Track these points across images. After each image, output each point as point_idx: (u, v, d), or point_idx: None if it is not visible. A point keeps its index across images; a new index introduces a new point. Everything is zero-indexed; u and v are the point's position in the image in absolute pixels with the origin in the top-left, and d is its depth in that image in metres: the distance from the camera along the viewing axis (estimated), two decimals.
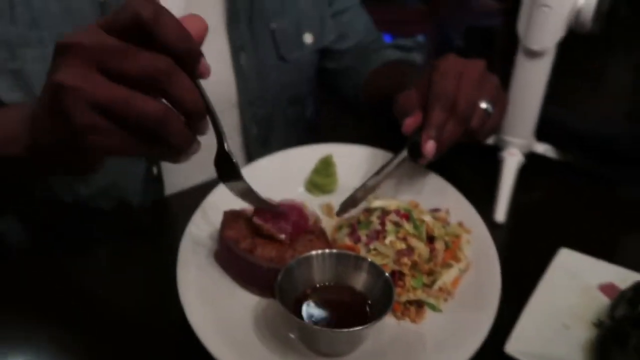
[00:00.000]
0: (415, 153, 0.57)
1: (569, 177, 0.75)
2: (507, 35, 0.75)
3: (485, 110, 0.57)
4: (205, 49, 0.72)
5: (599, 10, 0.63)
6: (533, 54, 0.67)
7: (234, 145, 0.82)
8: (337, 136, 0.71)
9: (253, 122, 0.80)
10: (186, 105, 0.37)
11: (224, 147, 0.43)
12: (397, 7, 2.74)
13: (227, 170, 0.44)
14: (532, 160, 0.74)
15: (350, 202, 0.58)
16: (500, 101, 0.60)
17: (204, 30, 0.40)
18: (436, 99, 0.55)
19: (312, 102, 0.92)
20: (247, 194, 0.47)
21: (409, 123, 0.57)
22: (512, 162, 0.71)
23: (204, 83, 0.70)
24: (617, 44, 0.77)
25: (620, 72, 0.78)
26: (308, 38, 0.82)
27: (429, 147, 0.54)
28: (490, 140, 0.76)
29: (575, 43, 0.67)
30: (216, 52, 0.74)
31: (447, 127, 0.55)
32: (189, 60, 0.37)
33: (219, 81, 0.75)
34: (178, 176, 0.74)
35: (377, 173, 0.58)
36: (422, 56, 0.97)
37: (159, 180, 0.73)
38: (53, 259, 0.59)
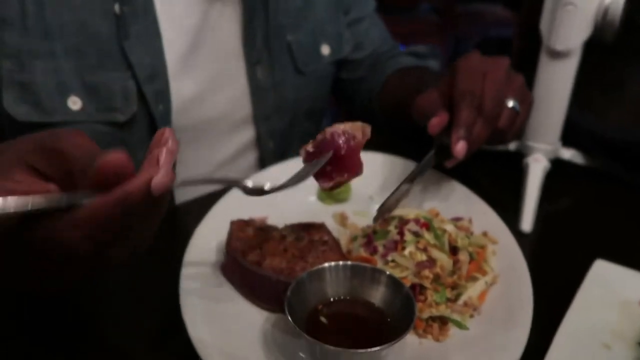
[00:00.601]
0: (441, 156, 0.54)
1: (598, 184, 0.70)
2: (524, 41, 0.72)
3: (512, 108, 0.53)
4: (219, 60, 0.70)
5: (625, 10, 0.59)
6: (557, 55, 0.64)
7: (250, 161, 0.79)
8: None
9: (269, 137, 0.77)
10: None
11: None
12: (410, 19, 2.72)
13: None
14: (558, 166, 0.70)
15: (385, 209, 0.54)
16: (526, 100, 0.57)
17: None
18: (463, 98, 0.52)
19: (329, 116, 0.89)
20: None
21: (435, 123, 0.53)
22: (537, 169, 0.67)
23: (218, 98, 0.65)
24: None
25: None
26: (325, 49, 0.79)
27: (460, 147, 0.51)
28: (513, 147, 0.72)
29: (599, 47, 0.63)
30: (232, 68, 0.72)
31: (475, 127, 0.51)
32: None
33: (234, 97, 0.73)
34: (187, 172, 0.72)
35: (409, 178, 0.55)
36: (437, 63, 0.93)
37: None
38: None
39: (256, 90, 0.74)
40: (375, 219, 0.53)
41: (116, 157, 0.29)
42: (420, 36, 2.68)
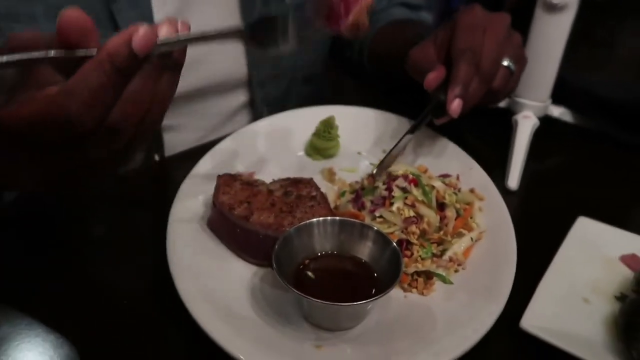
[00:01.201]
0: (435, 112, 0.54)
1: (587, 143, 0.70)
2: None
3: (507, 68, 0.52)
4: (211, 24, 0.66)
5: None
6: (553, 9, 0.62)
7: (241, 125, 0.77)
8: (339, 100, 0.67)
9: (264, 103, 0.75)
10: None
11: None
12: None
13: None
14: (547, 124, 0.70)
15: (386, 165, 0.54)
16: (521, 60, 0.56)
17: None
18: (462, 54, 0.51)
19: (326, 80, 0.87)
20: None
21: (432, 78, 0.52)
22: (526, 126, 0.67)
23: (209, 61, 0.61)
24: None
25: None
26: None
27: (456, 105, 0.50)
28: (503, 104, 0.71)
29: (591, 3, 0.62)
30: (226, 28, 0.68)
31: (471, 85, 0.50)
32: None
33: (229, 62, 0.70)
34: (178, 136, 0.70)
35: (410, 131, 0.55)
36: (430, 14, 0.91)
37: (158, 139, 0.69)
38: (49, 225, 0.55)
39: (253, 55, 0.70)
40: (377, 175, 0.53)
41: (71, 11, 0.31)
42: None
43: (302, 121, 0.63)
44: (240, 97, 0.74)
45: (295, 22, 0.37)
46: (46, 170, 0.35)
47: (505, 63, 0.52)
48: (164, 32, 0.32)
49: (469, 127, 0.68)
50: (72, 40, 0.32)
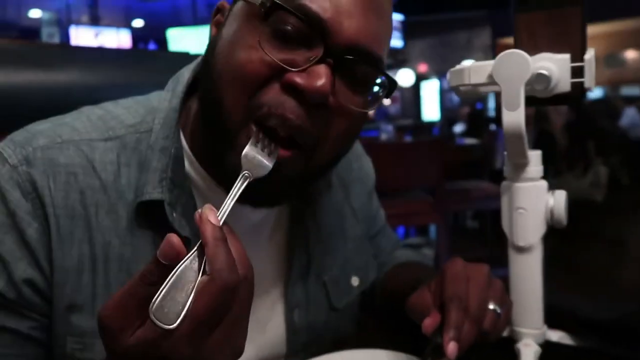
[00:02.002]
0: (434, 353, 0.61)
1: None
2: None
3: (494, 311, 0.61)
4: (261, 308, 0.75)
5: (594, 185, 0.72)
6: (521, 250, 0.74)
7: None
8: (360, 339, 0.74)
9: None
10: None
11: None
12: (406, 201, 2.96)
13: None
14: (550, 349, 0.75)
15: None
16: (505, 303, 0.65)
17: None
18: (451, 301, 0.60)
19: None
20: None
21: (429, 324, 0.61)
22: (528, 354, 0.72)
23: (258, 338, 0.74)
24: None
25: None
26: (355, 281, 0.81)
27: (452, 348, 0.58)
28: (504, 332, 0.78)
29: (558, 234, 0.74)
30: (272, 311, 0.74)
31: (464, 328, 0.59)
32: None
33: (273, 336, 0.74)
34: None
35: None
36: (431, 249, 1.04)
37: None
38: None
39: (291, 330, 0.74)
40: None
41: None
42: (416, 215, 2.88)
43: None
44: None
45: None
46: None
47: (491, 307, 0.62)
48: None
49: (478, 357, 0.73)
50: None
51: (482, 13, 10.61)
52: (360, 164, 0.87)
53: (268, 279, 0.74)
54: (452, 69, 0.73)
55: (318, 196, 0.76)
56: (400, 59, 9.64)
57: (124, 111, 0.65)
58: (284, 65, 0.53)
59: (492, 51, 11.37)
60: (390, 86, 0.58)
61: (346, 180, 0.82)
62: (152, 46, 8.93)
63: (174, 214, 0.60)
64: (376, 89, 0.58)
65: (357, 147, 0.88)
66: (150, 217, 0.60)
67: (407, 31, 9.62)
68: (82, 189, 0.59)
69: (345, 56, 0.53)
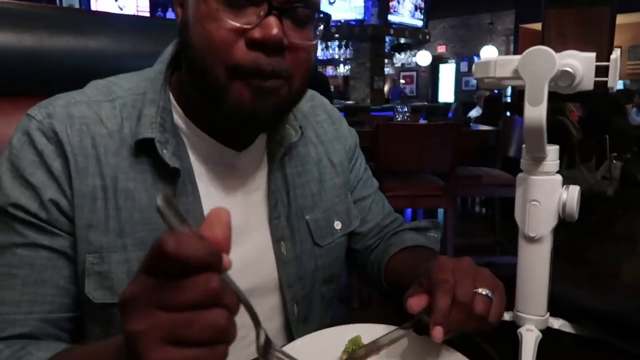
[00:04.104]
0: (422, 330, 0.65)
1: (588, 353, 0.78)
2: None
3: (485, 295, 0.65)
4: (250, 240, 0.85)
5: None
6: (532, 240, 0.77)
7: (277, 324, 0.90)
8: (366, 314, 0.78)
9: (294, 302, 0.89)
10: (233, 306, 0.44)
11: (261, 331, 0.51)
12: (416, 183, 2.98)
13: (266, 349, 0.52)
14: (551, 335, 0.78)
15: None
16: (497, 288, 0.68)
17: (227, 221, 0.47)
18: (438, 286, 0.64)
19: (343, 279, 1.01)
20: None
21: (414, 302, 0.66)
22: (530, 338, 0.76)
23: (251, 270, 0.82)
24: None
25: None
26: (337, 225, 0.94)
27: (437, 332, 0.62)
28: (508, 317, 0.81)
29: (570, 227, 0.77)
30: (260, 243, 0.86)
31: (451, 313, 0.63)
32: (215, 264, 0.43)
33: (263, 268, 0.86)
34: None
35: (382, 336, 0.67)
36: (438, 233, 1.07)
37: None
38: None
39: (281, 262, 0.87)
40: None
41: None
42: (426, 198, 2.91)
43: (332, 340, 0.73)
44: (273, 299, 0.88)
45: None
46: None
47: (483, 292, 0.65)
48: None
49: (479, 339, 0.77)
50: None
51: None
52: (338, 126, 0.99)
53: (253, 217, 0.85)
54: (478, 61, 0.74)
55: (294, 147, 0.89)
56: (419, 39, 9.47)
57: (124, 81, 0.80)
58: (243, 26, 0.67)
59: (515, 36, 11.17)
60: (327, 20, 0.74)
61: (324, 138, 0.95)
62: (170, 14, 8.86)
63: (165, 151, 0.73)
64: (319, 25, 0.74)
65: (336, 112, 1.02)
66: (147, 154, 0.74)
67: (428, 11, 9.43)
68: (92, 135, 0.73)
69: (285, 5, 0.67)
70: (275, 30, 0.66)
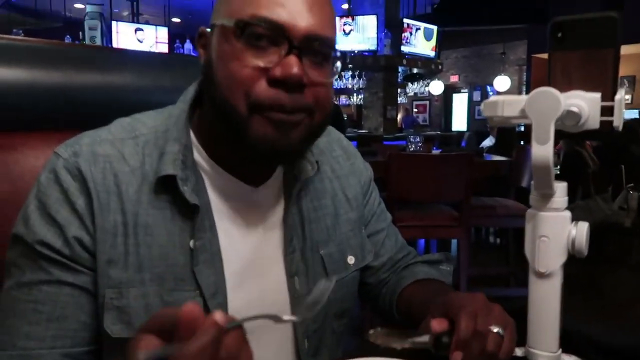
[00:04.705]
0: (440, 348, 0.67)
1: None
2: None
3: (497, 333, 0.66)
4: (265, 275, 0.88)
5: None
6: (542, 275, 0.78)
7: (287, 357, 0.90)
8: (378, 346, 0.79)
9: (305, 336, 0.89)
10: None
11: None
12: (431, 213, 2.98)
13: None
14: None
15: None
16: (509, 325, 0.69)
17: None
18: (463, 311, 0.66)
19: (355, 313, 1.02)
20: None
21: (436, 323, 0.68)
22: None
23: (265, 304, 0.84)
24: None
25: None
26: (351, 260, 0.95)
27: (457, 355, 0.64)
28: (520, 353, 0.81)
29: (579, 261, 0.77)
30: (274, 278, 0.87)
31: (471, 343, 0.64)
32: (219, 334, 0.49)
33: (277, 302, 0.87)
34: None
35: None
36: (450, 266, 1.08)
37: None
38: None
39: (294, 297, 0.88)
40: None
41: (189, 308, 0.47)
42: (439, 229, 2.90)
43: None
44: (285, 333, 0.88)
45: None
46: None
47: (495, 329, 0.66)
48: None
49: None
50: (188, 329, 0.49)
51: (519, 27, 10.49)
52: (353, 161, 1.02)
53: (269, 252, 0.87)
54: (487, 100, 0.77)
55: (311, 182, 0.90)
56: (432, 69, 9.58)
57: (147, 118, 0.84)
58: (264, 65, 0.70)
59: (528, 66, 11.23)
60: (344, 57, 0.77)
61: (339, 173, 0.97)
62: (188, 45, 9.12)
63: (185, 187, 0.76)
64: (337, 63, 0.77)
65: (351, 147, 1.04)
66: (167, 190, 0.77)
67: (441, 41, 9.57)
68: (115, 172, 0.76)
69: (304, 45, 0.71)
70: (295, 69, 0.69)
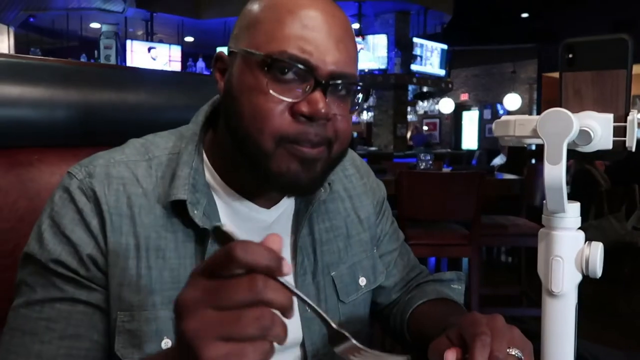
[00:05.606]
0: None
1: None
2: None
3: (515, 355, 0.65)
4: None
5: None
6: (555, 295, 0.77)
7: None
8: None
9: (314, 358, 0.87)
10: (282, 304, 0.49)
11: (332, 327, 0.55)
12: (441, 231, 2.96)
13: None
14: None
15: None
16: (527, 348, 0.68)
17: (280, 244, 0.51)
18: (477, 339, 0.65)
19: (366, 335, 1.01)
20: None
21: (449, 355, 0.66)
22: None
23: None
24: None
25: None
26: (362, 281, 0.95)
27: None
28: None
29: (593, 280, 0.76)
30: None
31: None
32: (277, 270, 0.48)
33: (288, 324, 0.86)
34: None
35: None
36: (461, 284, 1.06)
37: None
38: None
39: (306, 320, 0.87)
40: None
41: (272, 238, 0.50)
42: (450, 247, 2.88)
43: None
44: (294, 354, 0.87)
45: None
46: None
47: (513, 352, 0.65)
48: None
49: None
50: None
51: (529, 46, 10.52)
52: (366, 180, 1.01)
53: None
54: (498, 120, 0.77)
55: (322, 203, 0.89)
56: (442, 88, 9.61)
57: (160, 139, 0.84)
58: (290, 100, 0.71)
59: (538, 84, 11.22)
60: (367, 93, 0.78)
61: (352, 192, 0.97)
62: (200, 63, 9.26)
63: (195, 212, 0.76)
64: (358, 96, 0.78)
65: (364, 166, 1.04)
66: (178, 214, 0.77)
67: (451, 60, 9.61)
68: (128, 195, 0.76)
69: (330, 81, 0.72)
70: (321, 105, 0.69)
